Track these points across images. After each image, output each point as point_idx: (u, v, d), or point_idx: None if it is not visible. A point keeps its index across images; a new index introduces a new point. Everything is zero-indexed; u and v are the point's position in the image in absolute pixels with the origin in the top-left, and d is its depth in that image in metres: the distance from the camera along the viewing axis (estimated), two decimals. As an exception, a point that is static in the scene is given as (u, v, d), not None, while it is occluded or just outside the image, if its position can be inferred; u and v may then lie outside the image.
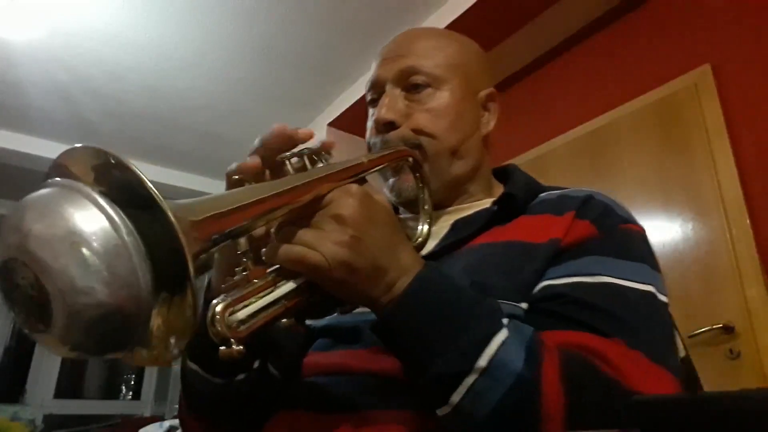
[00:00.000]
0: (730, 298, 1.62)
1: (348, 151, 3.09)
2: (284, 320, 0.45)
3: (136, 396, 4.74)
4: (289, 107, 3.15)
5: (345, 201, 0.47)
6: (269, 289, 0.43)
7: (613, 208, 0.63)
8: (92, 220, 0.30)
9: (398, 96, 0.71)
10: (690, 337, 1.60)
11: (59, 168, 0.33)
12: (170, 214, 0.30)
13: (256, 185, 0.46)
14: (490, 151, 0.78)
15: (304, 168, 0.53)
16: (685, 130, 1.86)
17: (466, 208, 0.73)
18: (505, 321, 0.48)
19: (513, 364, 0.45)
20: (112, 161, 0.31)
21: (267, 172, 0.51)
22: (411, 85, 0.71)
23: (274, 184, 0.46)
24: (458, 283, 0.51)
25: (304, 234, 0.45)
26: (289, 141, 0.52)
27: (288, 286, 0.44)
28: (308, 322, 0.68)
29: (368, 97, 0.77)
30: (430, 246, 0.67)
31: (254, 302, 0.41)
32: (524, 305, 0.55)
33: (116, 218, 0.30)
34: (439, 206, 0.73)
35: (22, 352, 4.28)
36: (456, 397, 0.45)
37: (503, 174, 0.79)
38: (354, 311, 0.55)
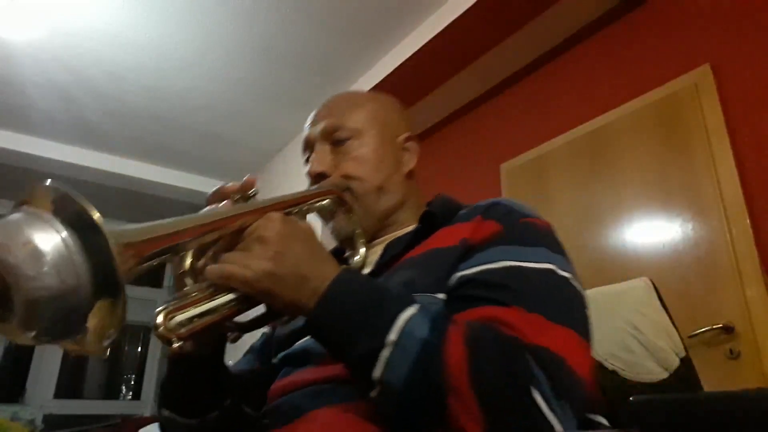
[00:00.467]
0: (730, 298, 1.62)
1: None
2: (230, 335, 0.60)
3: (136, 396, 4.74)
4: (289, 107, 3.15)
5: (267, 225, 0.56)
6: (206, 301, 0.53)
7: (515, 207, 0.71)
8: (48, 236, 0.39)
9: (326, 151, 0.83)
10: (690, 337, 1.60)
11: (25, 200, 0.42)
12: (108, 237, 0.39)
13: (186, 217, 0.55)
14: (416, 183, 0.90)
15: None
16: (685, 130, 1.86)
17: (397, 234, 0.83)
18: (414, 303, 0.55)
19: (420, 333, 0.51)
20: (68, 196, 0.40)
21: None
22: (336, 140, 0.83)
23: (200, 217, 0.56)
24: (373, 281, 0.59)
25: (232, 255, 0.55)
26: (223, 195, 0.62)
27: (224, 299, 0.54)
28: (273, 360, 0.78)
29: (303, 157, 0.89)
30: (366, 270, 0.77)
31: (191, 310, 0.51)
32: (441, 296, 0.63)
33: (67, 237, 0.39)
34: (374, 238, 0.83)
35: (22, 352, 4.28)
36: (377, 373, 0.51)
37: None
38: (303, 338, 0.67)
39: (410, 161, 0.88)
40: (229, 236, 0.56)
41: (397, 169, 0.86)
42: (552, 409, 0.48)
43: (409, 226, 0.83)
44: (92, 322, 0.40)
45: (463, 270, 0.63)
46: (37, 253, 0.38)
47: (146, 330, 4.90)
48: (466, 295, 0.60)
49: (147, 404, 4.64)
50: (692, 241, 1.76)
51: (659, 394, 0.76)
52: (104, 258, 0.39)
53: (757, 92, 1.73)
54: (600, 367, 0.86)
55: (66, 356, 4.62)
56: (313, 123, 0.87)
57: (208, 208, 0.61)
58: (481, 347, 0.50)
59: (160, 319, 0.49)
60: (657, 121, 1.96)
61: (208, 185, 3.94)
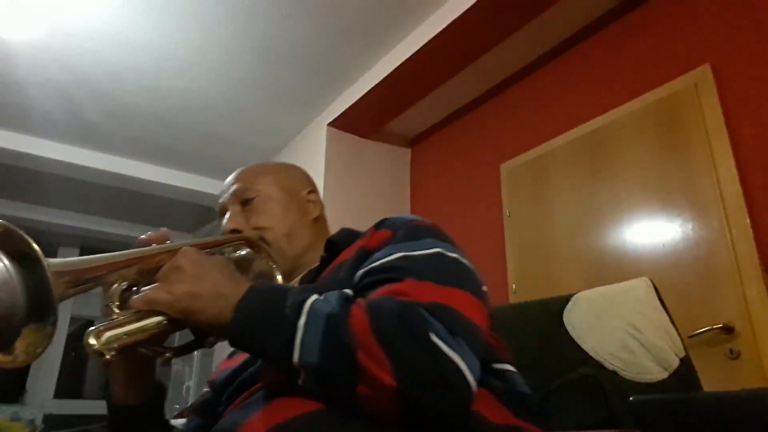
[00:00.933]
0: (730, 298, 1.62)
1: (348, 150, 3.09)
2: (161, 358, 0.66)
3: (136, 396, 4.73)
4: (289, 107, 3.16)
5: (181, 257, 0.63)
6: (132, 323, 0.59)
7: (404, 217, 0.80)
8: None
9: (238, 211, 0.95)
10: (690, 337, 1.60)
11: None
12: (46, 266, 0.48)
13: (115, 253, 0.63)
14: (324, 226, 1.03)
15: None
16: (685, 130, 1.86)
17: (310, 268, 0.93)
18: (318, 292, 0.61)
19: (326, 309, 0.58)
20: (12, 231, 0.49)
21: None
22: (245, 199, 0.95)
23: (121, 254, 0.64)
24: (281, 285, 0.70)
25: (154, 285, 0.62)
26: (142, 244, 0.70)
27: (151, 320, 0.60)
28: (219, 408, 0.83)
29: (218, 219, 1.00)
30: None
31: (118, 329, 0.58)
32: (348, 291, 0.68)
33: (8, 264, 0.48)
34: (292, 277, 0.94)
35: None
36: (296, 357, 0.55)
37: None
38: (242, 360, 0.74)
39: (314, 210, 1.01)
40: (148, 274, 0.64)
41: (303, 217, 0.99)
42: (450, 346, 0.54)
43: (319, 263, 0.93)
44: (25, 334, 0.48)
45: (363, 268, 0.71)
46: None
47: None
48: (365, 283, 0.68)
49: (147, 404, 4.62)
50: (692, 241, 1.76)
51: (659, 394, 0.76)
52: (42, 285, 0.48)
53: (757, 92, 1.73)
54: (600, 367, 0.86)
55: (66, 357, 4.62)
56: (225, 189, 0.99)
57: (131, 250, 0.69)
58: (380, 309, 0.57)
59: (91, 339, 0.55)
60: (657, 121, 1.96)
61: (208, 185, 3.94)
